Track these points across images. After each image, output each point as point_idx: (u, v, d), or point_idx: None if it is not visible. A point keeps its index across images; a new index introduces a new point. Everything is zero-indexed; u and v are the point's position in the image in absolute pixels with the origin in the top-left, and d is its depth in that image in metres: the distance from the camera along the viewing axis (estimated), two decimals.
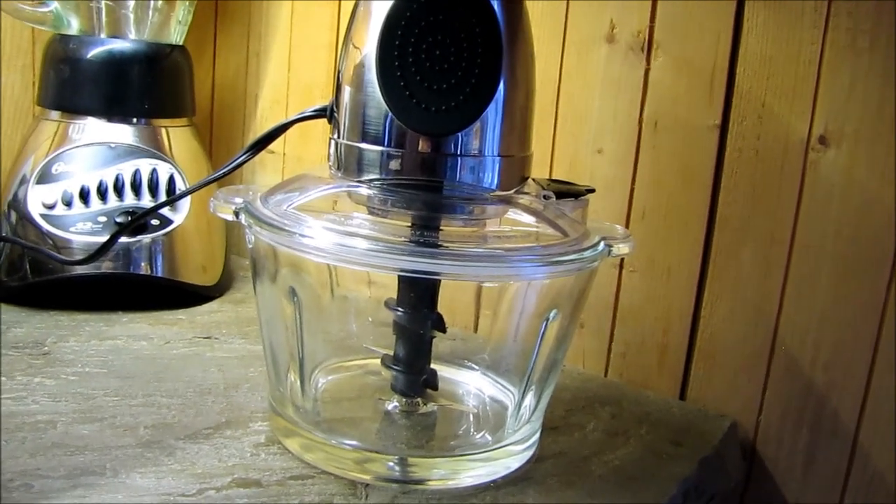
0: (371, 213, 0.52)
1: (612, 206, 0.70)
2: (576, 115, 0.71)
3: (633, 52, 0.67)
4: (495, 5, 0.48)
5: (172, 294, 0.76)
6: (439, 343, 0.58)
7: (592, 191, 0.56)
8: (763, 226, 0.64)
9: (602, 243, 0.52)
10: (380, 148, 0.50)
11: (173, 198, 0.74)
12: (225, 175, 0.58)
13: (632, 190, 0.69)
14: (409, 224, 0.52)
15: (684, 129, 0.66)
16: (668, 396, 0.69)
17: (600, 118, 0.70)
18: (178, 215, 0.77)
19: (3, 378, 0.58)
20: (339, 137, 0.52)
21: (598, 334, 0.72)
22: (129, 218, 0.73)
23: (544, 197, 0.53)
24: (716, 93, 0.65)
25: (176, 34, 0.83)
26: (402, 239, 0.49)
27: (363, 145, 0.50)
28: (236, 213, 0.52)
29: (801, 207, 0.62)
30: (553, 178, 0.69)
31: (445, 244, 0.50)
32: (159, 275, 0.75)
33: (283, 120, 0.57)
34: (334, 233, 0.47)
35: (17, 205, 0.73)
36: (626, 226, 0.69)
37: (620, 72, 0.68)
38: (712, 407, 0.67)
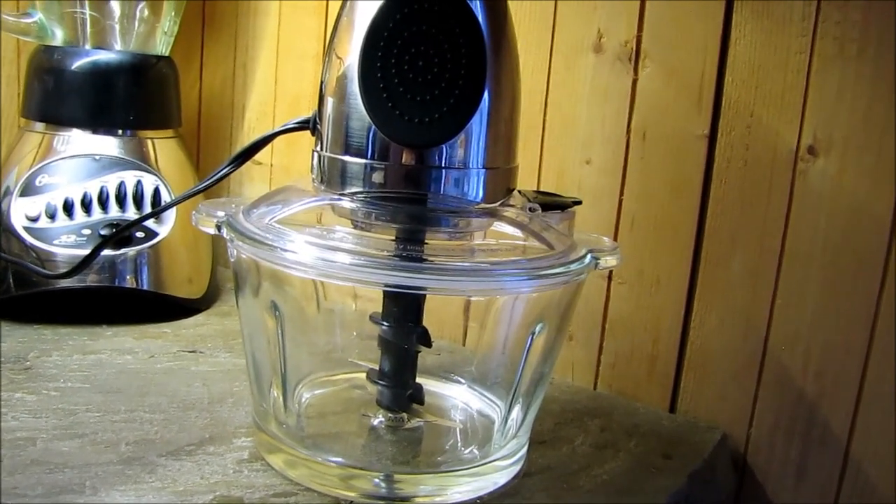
0: (355, 226, 0.51)
1: (601, 217, 0.69)
2: (563, 125, 0.71)
3: (621, 62, 0.67)
4: (479, 15, 0.48)
5: (158, 307, 0.76)
6: (426, 356, 0.57)
7: (579, 202, 0.55)
8: (752, 235, 0.63)
9: (589, 256, 0.51)
10: (363, 160, 0.49)
11: (157, 210, 0.74)
12: (208, 187, 0.58)
13: (620, 200, 0.68)
14: (394, 237, 0.51)
15: (673, 139, 0.66)
16: (658, 408, 0.68)
17: (588, 128, 0.69)
18: (164, 227, 0.76)
19: None
20: (322, 150, 0.51)
21: (587, 346, 0.71)
22: (114, 230, 0.72)
23: (530, 209, 0.53)
24: (704, 102, 0.64)
25: (162, 45, 0.83)
26: (386, 253, 0.49)
27: (346, 158, 0.49)
28: (218, 227, 0.51)
29: (791, 217, 0.62)
30: (540, 189, 0.69)
31: (430, 258, 0.49)
32: (145, 287, 0.75)
33: (266, 132, 0.57)
34: (317, 247, 0.47)
35: (0, 217, 0.73)
36: (615, 236, 0.69)
37: (608, 81, 0.68)
38: (702, 418, 0.66)
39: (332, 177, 0.50)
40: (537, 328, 0.53)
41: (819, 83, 0.60)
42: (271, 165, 0.91)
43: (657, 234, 0.67)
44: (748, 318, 0.64)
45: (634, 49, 0.66)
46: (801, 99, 0.61)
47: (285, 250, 0.47)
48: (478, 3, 0.48)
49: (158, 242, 0.75)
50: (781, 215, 0.62)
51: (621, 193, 0.68)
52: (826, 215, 0.60)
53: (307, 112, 0.53)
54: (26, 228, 0.72)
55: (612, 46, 0.67)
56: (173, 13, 0.82)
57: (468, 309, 0.74)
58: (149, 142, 0.79)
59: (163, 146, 0.80)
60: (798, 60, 0.60)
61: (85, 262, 0.64)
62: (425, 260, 0.49)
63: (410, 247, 0.50)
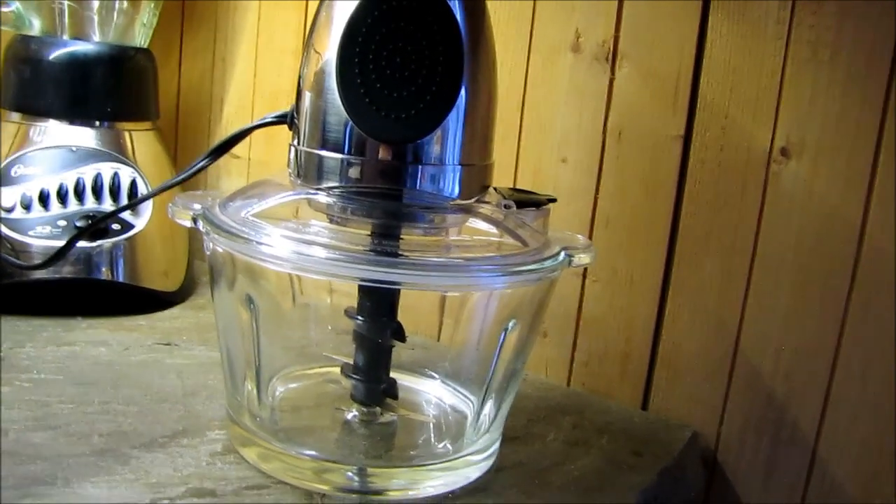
0: (331, 220, 0.52)
1: (576, 215, 0.70)
2: (540, 123, 0.71)
3: (598, 62, 0.68)
4: (457, 13, 0.48)
5: (133, 299, 0.76)
6: (401, 351, 0.57)
7: (554, 200, 0.56)
8: (725, 236, 0.64)
9: (563, 253, 0.52)
10: (339, 155, 0.49)
11: (133, 202, 0.74)
12: (185, 180, 0.58)
13: (595, 199, 0.69)
14: (369, 232, 0.51)
15: (648, 139, 0.66)
16: (631, 406, 0.69)
17: (565, 127, 0.70)
18: (140, 220, 0.76)
19: None
20: (299, 144, 0.51)
21: (560, 343, 0.72)
22: (89, 222, 0.72)
23: (505, 206, 0.53)
24: (679, 103, 0.65)
25: (140, 37, 0.82)
26: (362, 248, 0.49)
27: (323, 152, 0.50)
28: (194, 220, 0.51)
29: (763, 218, 0.63)
30: (517, 186, 0.69)
31: (405, 253, 0.49)
32: (120, 280, 0.74)
33: (244, 126, 0.57)
34: (292, 241, 0.47)
35: None
36: (590, 235, 0.69)
37: (585, 81, 0.68)
38: (674, 416, 0.67)
39: (309, 171, 0.51)
40: (510, 325, 0.53)
41: (793, 86, 0.61)
42: (249, 159, 0.91)
43: (631, 233, 0.68)
44: (720, 318, 0.65)
45: (612, 49, 0.67)
46: (774, 101, 0.61)
47: (261, 243, 0.47)
48: (456, 1, 0.48)
49: (134, 235, 0.75)
50: (754, 217, 0.63)
51: (596, 192, 0.69)
52: (798, 217, 0.61)
53: (286, 106, 0.53)
54: (1, 219, 0.71)
55: (589, 46, 0.68)
56: (152, 5, 0.82)
57: (443, 305, 0.75)
58: (126, 134, 0.79)
59: (140, 138, 0.80)
60: (772, 63, 0.61)
61: (60, 254, 0.64)
62: (400, 255, 0.49)
63: (386, 242, 0.50)
